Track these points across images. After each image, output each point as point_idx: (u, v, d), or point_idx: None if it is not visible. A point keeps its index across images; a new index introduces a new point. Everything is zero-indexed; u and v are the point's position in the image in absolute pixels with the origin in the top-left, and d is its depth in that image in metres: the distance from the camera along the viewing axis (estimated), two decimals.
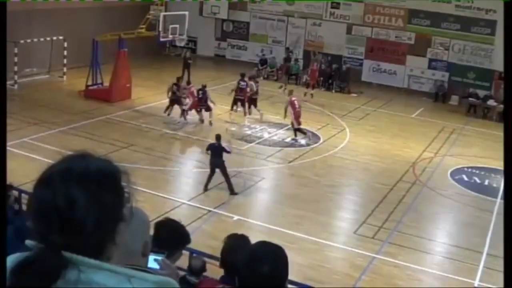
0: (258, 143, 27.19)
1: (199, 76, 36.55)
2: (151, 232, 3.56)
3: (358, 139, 28.48)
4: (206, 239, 16.26)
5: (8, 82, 32.34)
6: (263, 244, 3.84)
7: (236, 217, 19.22)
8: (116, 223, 2.14)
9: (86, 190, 2.05)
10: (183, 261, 8.05)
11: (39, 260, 2.01)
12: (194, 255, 11.31)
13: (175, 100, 28.92)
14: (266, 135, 28.41)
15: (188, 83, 30.31)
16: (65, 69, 36.22)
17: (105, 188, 2.10)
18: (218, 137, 21.27)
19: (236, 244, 6.42)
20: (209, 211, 19.56)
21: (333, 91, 39.26)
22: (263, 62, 43.15)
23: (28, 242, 2.11)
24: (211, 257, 11.60)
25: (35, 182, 2.13)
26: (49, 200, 2.04)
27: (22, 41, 32.77)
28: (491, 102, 35.65)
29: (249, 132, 28.63)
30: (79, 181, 2.06)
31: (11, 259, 2.09)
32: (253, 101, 30.02)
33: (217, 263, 9.43)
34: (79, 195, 2.04)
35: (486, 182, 24.34)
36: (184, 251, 6.10)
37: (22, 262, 2.03)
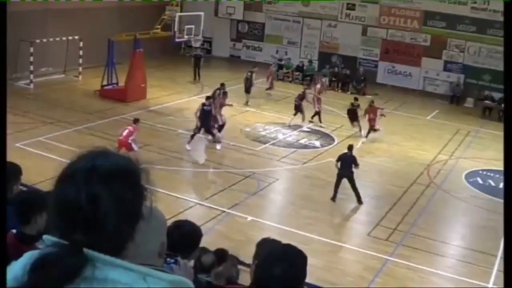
0: (272, 144, 27.20)
1: (214, 77, 36.62)
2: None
3: (373, 141, 28.41)
4: (220, 239, 16.28)
5: (24, 81, 32.58)
6: (281, 246, 3.86)
7: (249, 218, 19.23)
8: (136, 222, 2.15)
9: (109, 188, 2.06)
10: None
11: (61, 257, 2.02)
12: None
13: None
14: (280, 136, 28.42)
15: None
16: (80, 69, 36.35)
17: (127, 187, 2.10)
18: None
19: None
20: (223, 211, 19.58)
21: (349, 92, 39.26)
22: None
23: (46, 237, 2.12)
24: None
25: (57, 178, 2.13)
26: (72, 197, 2.04)
27: (38, 41, 32.94)
28: None
29: (263, 133, 28.63)
30: (102, 179, 2.07)
31: (29, 255, 2.10)
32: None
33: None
34: (102, 193, 2.05)
35: (501, 185, 24.21)
36: None
37: (43, 258, 2.03)
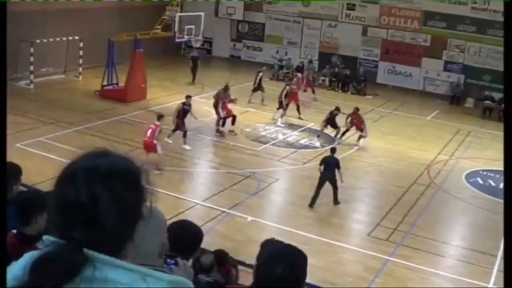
0: (272, 144, 27.20)
1: (214, 77, 36.64)
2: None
3: (373, 141, 28.36)
4: (220, 239, 16.31)
5: (24, 82, 32.59)
6: (282, 247, 3.87)
7: (250, 218, 19.22)
8: (136, 222, 2.15)
9: (109, 187, 2.07)
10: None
11: (61, 256, 2.02)
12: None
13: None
14: (281, 137, 28.42)
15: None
16: (80, 69, 36.36)
17: (128, 187, 2.11)
18: None
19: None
20: (223, 211, 19.57)
21: (349, 93, 39.32)
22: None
23: (46, 237, 2.12)
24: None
25: (57, 178, 2.14)
26: (73, 196, 2.05)
27: (38, 41, 32.94)
28: None
29: (264, 133, 28.64)
30: (103, 179, 2.07)
31: (30, 256, 2.10)
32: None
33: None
34: (103, 193, 2.05)
35: (501, 185, 24.20)
36: None
37: (43, 258, 2.03)
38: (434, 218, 20.92)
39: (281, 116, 30.75)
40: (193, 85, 36.75)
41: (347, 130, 28.28)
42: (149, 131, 22.44)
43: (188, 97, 26.23)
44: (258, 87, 33.95)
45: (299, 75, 36.14)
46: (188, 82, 37.58)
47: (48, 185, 2.30)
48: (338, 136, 28.22)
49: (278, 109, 31.19)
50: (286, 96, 31.18)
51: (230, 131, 28.00)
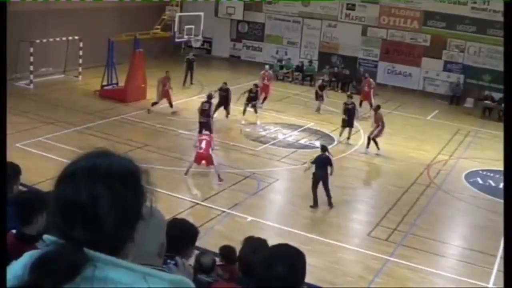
0: (272, 144, 27.19)
1: (214, 77, 36.61)
2: None
3: (373, 141, 28.35)
4: (220, 239, 16.26)
5: (24, 82, 32.59)
6: (280, 247, 3.88)
7: (249, 218, 19.21)
8: (136, 222, 2.15)
9: (109, 187, 2.06)
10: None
11: (61, 255, 2.02)
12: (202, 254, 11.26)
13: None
14: (280, 136, 28.41)
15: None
16: (80, 69, 36.36)
17: (128, 187, 2.11)
18: None
19: (255, 246, 6.43)
20: (223, 211, 19.57)
21: (349, 92, 39.23)
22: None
23: (46, 237, 2.12)
24: None
25: (57, 178, 2.13)
26: (73, 196, 2.05)
27: (38, 41, 32.95)
28: None
29: (263, 133, 28.63)
30: (103, 179, 2.07)
31: (30, 255, 2.10)
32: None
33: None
34: (103, 193, 2.05)
35: (501, 185, 24.20)
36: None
37: (43, 257, 2.03)
38: (434, 218, 20.91)
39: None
40: (187, 88, 36.57)
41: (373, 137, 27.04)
42: (204, 143, 21.88)
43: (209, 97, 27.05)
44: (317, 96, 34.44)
45: (266, 66, 37.11)
46: (179, 86, 37.01)
47: (48, 185, 2.30)
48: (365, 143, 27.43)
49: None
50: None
51: (172, 112, 30.36)
